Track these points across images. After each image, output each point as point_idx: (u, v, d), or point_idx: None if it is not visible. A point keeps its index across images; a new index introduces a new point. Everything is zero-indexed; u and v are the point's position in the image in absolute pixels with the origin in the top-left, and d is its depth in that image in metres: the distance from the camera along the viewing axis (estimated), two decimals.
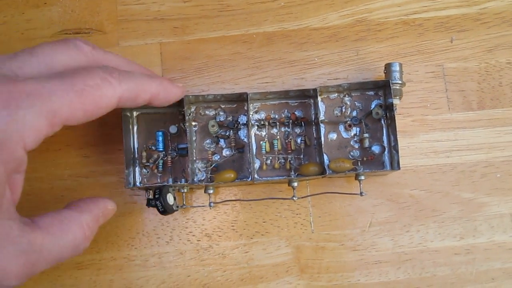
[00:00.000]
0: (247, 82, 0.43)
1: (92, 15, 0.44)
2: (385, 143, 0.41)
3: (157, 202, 0.36)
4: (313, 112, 0.41)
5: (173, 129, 0.41)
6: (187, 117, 0.39)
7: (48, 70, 0.31)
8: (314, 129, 0.41)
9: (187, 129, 0.39)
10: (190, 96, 0.39)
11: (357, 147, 0.41)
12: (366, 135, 0.40)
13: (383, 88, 0.41)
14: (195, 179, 0.40)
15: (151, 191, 0.39)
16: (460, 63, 0.43)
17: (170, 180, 0.40)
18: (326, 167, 0.39)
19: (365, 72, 0.43)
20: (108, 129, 0.42)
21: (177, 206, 0.39)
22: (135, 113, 0.41)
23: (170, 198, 0.37)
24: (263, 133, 0.41)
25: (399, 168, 0.38)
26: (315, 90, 0.39)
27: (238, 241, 0.41)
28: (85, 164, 0.42)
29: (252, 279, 0.41)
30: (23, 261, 0.28)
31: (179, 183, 0.39)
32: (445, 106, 0.42)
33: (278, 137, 0.41)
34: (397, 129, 0.39)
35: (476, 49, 0.43)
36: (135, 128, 0.41)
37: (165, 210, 0.36)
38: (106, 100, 0.31)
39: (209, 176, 0.40)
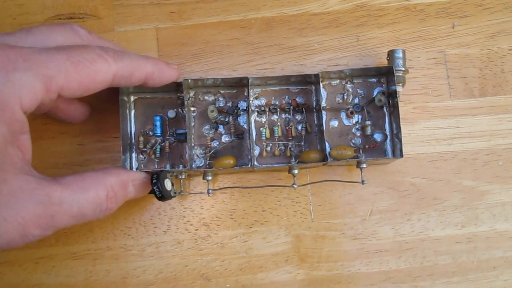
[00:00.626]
0: (246, 68, 0.42)
1: (87, 0, 0.43)
2: (387, 131, 0.40)
3: (155, 188, 0.35)
4: (314, 99, 0.40)
5: (171, 113, 0.40)
6: (186, 102, 0.39)
7: (43, 47, 0.32)
8: (315, 116, 0.40)
9: (186, 114, 0.39)
10: (189, 81, 0.39)
11: (358, 134, 0.41)
12: (368, 122, 0.40)
13: (385, 75, 0.40)
14: (193, 166, 0.39)
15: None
16: (462, 49, 0.42)
17: (168, 166, 0.40)
18: (327, 154, 0.38)
19: (366, 58, 0.42)
20: (103, 116, 0.42)
21: (175, 192, 0.38)
22: (132, 98, 0.41)
23: (168, 184, 0.37)
24: (263, 120, 0.41)
25: (401, 156, 0.38)
26: (317, 75, 0.39)
27: (236, 230, 0.41)
28: (80, 153, 0.41)
29: (251, 268, 0.40)
30: (41, 211, 0.29)
31: (177, 169, 0.38)
32: (446, 93, 0.42)
33: (278, 123, 0.40)
34: (400, 123, 0.38)
35: (478, 35, 0.43)
36: (133, 112, 0.41)
37: (163, 195, 0.36)
38: (101, 75, 0.32)
39: (207, 163, 0.40)
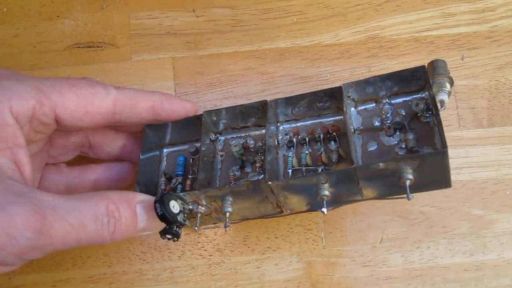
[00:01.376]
0: (260, 97, 0.43)
1: (105, 29, 0.44)
2: (438, 145, 0.34)
3: (156, 205, 0.32)
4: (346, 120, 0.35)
5: (191, 147, 0.39)
6: (204, 130, 0.37)
7: None
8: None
9: (200, 159, 0.37)
10: (208, 114, 0.37)
11: (403, 153, 0.35)
12: (410, 136, 0.35)
13: (425, 87, 0.36)
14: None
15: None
16: (471, 80, 0.44)
17: (190, 205, 0.36)
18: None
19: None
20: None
21: (185, 220, 0.34)
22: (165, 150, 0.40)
23: (174, 207, 0.33)
24: (290, 153, 0.38)
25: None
26: (339, 88, 0.35)
27: (250, 256, 0.42)
28: (84, 163, 0.42)
29: None
30: (30, 209, 0.26)
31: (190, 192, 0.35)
32: (455, 123, 0.43)
33: (307, 151, 0.37)
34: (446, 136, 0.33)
35: (487, 66, 0.44)
36: (163, 165, 0.40)
37: (165, 215, 0.32)
38: (100, 99, 0.31)
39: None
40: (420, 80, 0.36)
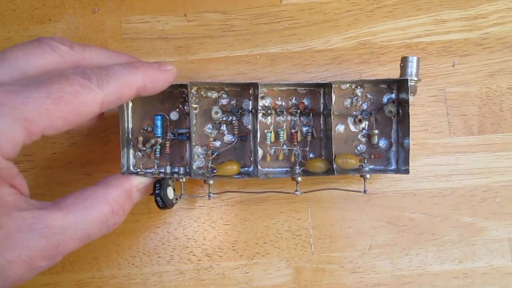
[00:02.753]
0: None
1: (96, 33, 0.44)
2: (393, 139, 0.41)
3: (158, 198, 0.36)
4: (322, 101, 0.41)
5: (174, 115, 0.40)
6: (189, 100, 0.38)
7: (21, 75, 0.30)
8: (322, 121, 0.41)
9: (189, 113, 0.39)
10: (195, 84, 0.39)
11: (364, 141, 0.41)
12: (375, 131, 0.40)
13: (397, 82, 0.40)
14: (193, 166, 0.39)
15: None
16: (462, 87, 0.44)
17: (168, 167, 0.40)
18: (333, 166, 0.39)
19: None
20: (110, 146, 0.43)
21: (176, 198, 0.39)
22: None
23: (170, 192, 0.37)
24: (268, 121, 0.41)
25: (406, 170, 0.39)
26: (330, 85, 0.39)
27: (238, 262, 0.42)
28: (87, 182, 0.43)
29: None
30: (44, 244, 0.28)
31: (177, 170, 0.39)
32: (446, 130, 0.43)
33: (284, 127, 0.41)
34: (411, 136, 0.39)
35: (478, 73, 0.44)
36: (130, 106, 0.40)
37: (165, 205, 0.36)
38: (87, 107, 0.30)
39: (209, 165, 0.40)
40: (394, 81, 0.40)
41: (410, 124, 0.38)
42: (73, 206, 0.30)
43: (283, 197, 0.42)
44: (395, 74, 0.43)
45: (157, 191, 0.36)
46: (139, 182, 0.36)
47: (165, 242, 0.42)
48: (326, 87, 0.40)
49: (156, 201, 0.37)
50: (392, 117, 0.41)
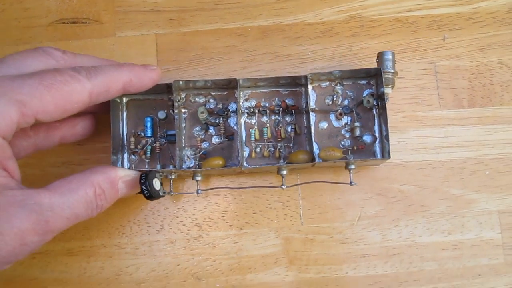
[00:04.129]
0: (241, 74, 0.44)
1: (90, 5, 0.45)
2: (377, 133, 0.42)
3: (143, 187, 0.37)
4: (304, 101, 0.42)
5: (161, 114, 0.42)
6: (176, 104, 0.40)
7: (18, 73, 0.33)
8: (304, 118, 0.42)
9: (176, 116, 0.40)
10: (180, 82, 0.41)
11: (348, 136, 0.42)
12: (357, 124, 0.41)
13: (375, 77, 0.42)
14: (183, 166, 0.41)
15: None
16: (452, 61, 0.44)
17: (158, 166, 0.41)
18: (316, 155, 0.40)
19: (358, 68, 0.44)
20: (102, 118, 0.43)
21: (164, 192, 0.40)
22: (124, 99, 0.42)
23: (156, 183, 0.38)
24: (253, 121, 0.43)
25: (389, 157, 0.39)
26: (305, 77, 0.40)
27: (228, 232, 0.42)
28: (78, 152, 0.43)
29: (241, 269, 0.42)
30: (34, 219, 0.30)
31: (166, 169, 0.40)
32: (436, 103, 0.44)
33: (268, 125, 0.42)
34: (388, 125, 0.40)
35: (468, 47, 0.44)
36: (125, 114, 0.42)
37: (151, 195, 0.37)
38: (76, 95, 0.33)
39: (197, 163, 0.41)
40: (371, 74, 0.42)
41: (389, 118, 0.39)
42: (59, 188, 0.33)
43: (272, 172, 0.42)
44: (384, 47, 0.44)
45: (142, 180, 0.37)
46: (124, 174, 0.37)
47: (155, 212, 0.43)
48: (305, 87, 0.41)
49: (142, 190, 0.37)
50: (374, 111, 0.42)
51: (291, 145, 0.42)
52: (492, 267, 0.42)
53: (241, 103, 0.42)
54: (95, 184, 0.34)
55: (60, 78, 0.32)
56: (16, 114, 0.30)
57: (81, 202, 0.33)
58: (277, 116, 0.42)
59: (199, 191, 0.40)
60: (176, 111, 0.40)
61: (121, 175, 0.37)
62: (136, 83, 0.36)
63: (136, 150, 0.42)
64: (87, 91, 0.33)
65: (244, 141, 0.42)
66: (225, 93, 0.42)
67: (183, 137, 0.42)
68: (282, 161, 0.41)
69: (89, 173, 0.35)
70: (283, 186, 0.40)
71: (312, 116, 0.41)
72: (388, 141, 0.40)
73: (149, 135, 0.42)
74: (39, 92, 0.31)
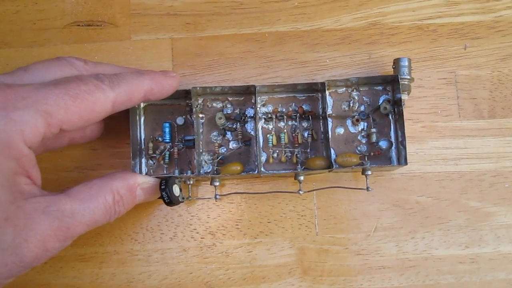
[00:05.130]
0: (258, 81, 0.43)
1: (105, 8, 0.44)
2: (393, 139, 0.41)
3: (163, 193, 0.37)
4: (320, 106, 0.42)
5: (180, 120, 0.42)
6: (194, 109, 0.40)
7: (41, 82, 0.33)
8: (321, 123, 0.42)
9: (194, 121, 0.40)
10: (198, 88, 0.40)
11: (364, 142, 0.42)
12: (373, 130, 0.41)
13: (391, 83, 0.41)
14: (201, 171, 0.41)
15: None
16: (473, 70, 0.43)
17: (177, 171, 0.41)
18: (333, 161, 0.39)
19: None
20: (116, 122, 0.43)
21: (183, 198, 0.40)
22: (142, 104, 0.42)
23: (176, 189, 0.38)
24: (270, 127, 0.42)
25: (406, 163, 0.39)
26: (323, 84, 0.40)
27: (242, 240, 0.42)
28: (92, 157, 0.43)
29: (254, 279, 0.41)
30: (57, 225, 0.31)
31: (185, 174, 0.40)
32: (455, 113, 0.43)
33: (285, 130, 0.42)
34: (406, 134, 0.39)
35: (490, 57, 0.43)
36: (142, 119, 0.42)
37: (171, 201, 0.37)
38: (100, 105, 0.33)
39: (215, 169, 0.41)
40: (387, 80, 0.41)
41: (405, 124, 0.39)
42: (80, 194, 0.34)
43: (289, 178, 0.42)
44: (404, 55, 0.43)
45: (162, 187, 0.37)
46: (143, 181, 0.37)
47: (168, 219, 0.42)
48: (322, 93, 0.41)
49: (162, 197, 0.37)
50: (390, 117, 0.41)
51: (308, 150, 0.42)
52: (510, 282, 0.41)
53: (258, 108, 0.41)
54: (114, 191, 0.35)
55: (84, 88, 0.33)
56: (43, 125, 0.31)
57: (100, 209, 0.34)
58: (294, 121, 0.42)
59: (217, 196, 0.40)
60: (194, 116, 0.40)
61: (140, 182, 0.37)
62: (157, 91, 0.37)
63: (154, 155, 0.41)
64: (111, 101, 0.34)
65: (261, 146, 0.42)
66: (242, 98, 0.42)
67: (201, 142, 0.42)
68: (299, 166, 0.41)
69: (108, 179, 0.35)
70: (300, 192, 0.40)
71: (329, 122, 0.41)
72: (404, 147, 0.39)
73: (168, 140, 0.42)
74: (64, 102, 0.31)
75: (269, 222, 0.42)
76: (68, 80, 0.33)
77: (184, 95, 0.41)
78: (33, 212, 0.31)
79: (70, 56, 0.36)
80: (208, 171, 0.41)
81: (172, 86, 0.38)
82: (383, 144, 0.41)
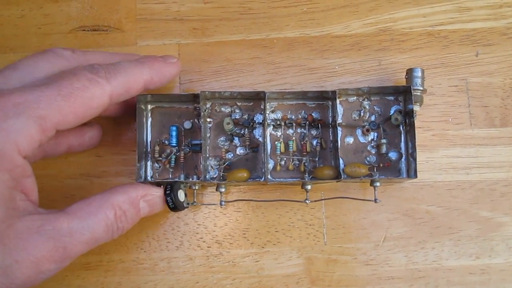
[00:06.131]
0: (265, 87, 0.43)
1: (111, 13, 0.44)
2: (403, 150, 0.41)
3: (168, 198, 0.37)
4: (330, 115, 0.41)
5: (187, 124, 0.41)
6: (202, 113, 0.40)
7: (32, 79, 0.32)
8: (330, 132, 0.41)
9: (202, 125, 0.40)
10: (206, 92, 0.40)
11: (373, 152, 0.41)
12: (383, 140, 0.41)
13: (403, 93, 0.41)
14: (207, 177, 0.40)
15: (162, 187, 0.39)
16: (485, 78, 0.43)
17: (182, 176, 0.41)
18: (341, 171, 0.39)
19: (387, 82, 0.43)
20: (122, 129, 0.43)
21: (188, 203, 0.39)
22: (149, 106, 0.42)
23: (181, 195, 0.38)
24: (279, 134, 0.42)
25: (416, 176, 0.38)
26: (334, 92, 0.40)
27: (249, 250, 0.41)
28: (97, 164, 0.42)
29: None
30: (52, 246, 0.30)
31: (191, 179, 0.40)
32: (467, 122, 0.42)
33: (293, 138, 0.42)
34: (417, 143, 0.39)
35: (502, 64, 0.43)
36: (149, 121, 0.42)
37: (176, 206, 0.37)
38: (97, 100, 0.32)
39: (221, 174, 0.41)
40: (399, 91, 0.41)
41: (416, 136, 0.39)
42: (79, 211, 0.32)
43: (296, 186, 0.41)
44: (415, 62, 0.43)
45: (167, 192, 0.37)
46: (146, 193, 0.36)
47: (174, 228, 0.42)
48: (332, 101, 0.41)
49: (166, 201, 0.37)
50: (401, 128, 0.41)
51: (317, 159, 0.41)
52: None
53: (267, 114, 0.41)
54: (115, 206, 0.34)
55: (78, 85, 0.31)
56: (37, 131, 0.29)
57: (101, 226, 0.32)
58: (303, 129, 0.42)
59: (223, 203, 0.40)
60: (201, 120, 0.40)
61: (142, 194, 0.36)
62: (157, 80, 0.35)
63: (160, 158, 0.41)
64: (107, 94, 0.32)
65: (269, 153, 0.41)
66: (251, 103, 0.42)
67: (208, 147, 0.41)
68: (307, 175, 0.40)
69: (108, 194, 0.34)
70: (307, 201, 0.39)
71: (339, 131, 0.40)
72: (414, 159, 0.39)
73: (174, 144, 0.41)
74: (57, 103, 0.30)
75: (276, 231, 0.42)
76: (60, 78, 0.31)
77: (192, 98, 0.41)
78: (26, 231, 0.29)
79: (58, 47, 0.35)
80: (214, 176, 0.41)
81: (172, 73, 0.36)
82: (392, 155, 0.41)
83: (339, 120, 0.41)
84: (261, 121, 0.41)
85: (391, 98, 0.41)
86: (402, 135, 0.41)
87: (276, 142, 0.41)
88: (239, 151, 0.42)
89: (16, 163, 0.29)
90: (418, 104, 0.40)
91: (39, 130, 0.29)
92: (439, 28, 0.43)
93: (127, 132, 0.42)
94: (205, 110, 0.41)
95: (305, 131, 0.41)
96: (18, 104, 0.29)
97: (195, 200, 0.40)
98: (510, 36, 0.43)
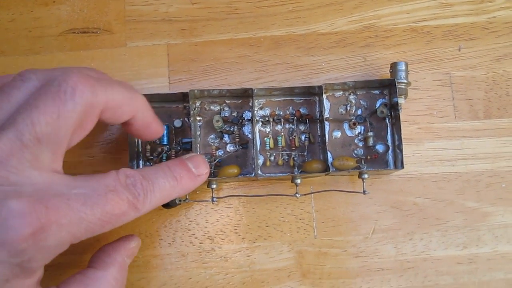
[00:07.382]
0: (254, 85, 0.44)
1: (100, 15, 0.45)
2: (389, 142, 0.42)
3: None
4: (317, 110, 0.42)
5: (177, 123, 0.42)
6: (191, 112, 0.41)
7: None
8: (318, 127, 0.42)
9: (192, 124, 0.41)
10: (196, 91, 0.41)
11: (361, 145, 0.42)
12: (370, 133, 0.42)
13: (388, 87, 0.42)
14: None
15: None
16: (468, 71, 0.44)
17: None
18: (329, 164, 0.40)
19: (372, 78, 0.43)
20: (113, 129, 0.43)
21: (180, 200, 0.40)
22: None
23: None
24: (267, 130, 0.43)
25: (402, 167, 0.39)
26: (320, 87, 0.41)
27: (240, 245, 0.42)
28: (89, 164, 0.43)
29: (253, 283, 0.41)
30: None
31: None
32: (451, 115, 0.43)
33: (282, 133, 0.42)
34: (403, 136, 0.40)
35: (484, 58, 0.44)
36: None
37: (168, 203, 0.38)
38: (126, 220, 0.31)
39: (212, 171, 0.41)
40: (384, 84, 0.42)
41: (402, 129, 0.40)
42: None
43: (286, 181, 0.42)
44: (399, 58, 0.44)
45: None
46: (126, 250, 0.37)
47: (167, 225, 0.42)
48: (319, 96, 0.42)
49: None
50: (387, 121, 0.42)
51: (305, 153, 0.42)
52: (508, 282, 0.42)
53: (255, 111, 0.42)
54: (113, 281, 0.34)
55: (118, 212, 0.30)
56: (66, 246, 0.30)
57: None
58: (291, 125, 0.42)
59: (214, 199, 0.41)
60: (191, 119, 0.41)
61: (126, 255, 0.37)
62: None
63: (152, 157, 0.42)
64: (137, 216, 0.32)
65: (258, 149, 0.42)
66: (240, 101, 0.43)
67: (198, 145, 0.42)
68: (296, 169, 0.41)
69: (102, 271, 0.35)
70: (297, 195, 0.40)
71: (326, 125, 0.41)
72: (401, 150, 0.40)
73: (165, 143, 0.42)
74: (95, 228, 0.30)
75: (267, 226, 0.42)
76: (106, 199, 0.29)
77: (182, 97, 0.41)
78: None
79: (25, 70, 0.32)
80: None
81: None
82: (379, 147, 0.42)
83: (326, 115, 0.42)
84: (249, 118, 0.42)
85: (377, 91, 0.42)
86: (388, 128, 0.42)
87: (265, 138, 0.42)
88: (229, 148, 0.42)
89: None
90: (403, 96, 0.41)
91: (67, 246, 0.30)
92: (422, 24, 0.44)
93: (119, 132, 0.43)
94: (194, 109, 0.42)
95: (293, 127, 0.42)
96: (61, 225, 0.28)
97: (187, 197, 0.41)
98: (492, 30, 0.44)
